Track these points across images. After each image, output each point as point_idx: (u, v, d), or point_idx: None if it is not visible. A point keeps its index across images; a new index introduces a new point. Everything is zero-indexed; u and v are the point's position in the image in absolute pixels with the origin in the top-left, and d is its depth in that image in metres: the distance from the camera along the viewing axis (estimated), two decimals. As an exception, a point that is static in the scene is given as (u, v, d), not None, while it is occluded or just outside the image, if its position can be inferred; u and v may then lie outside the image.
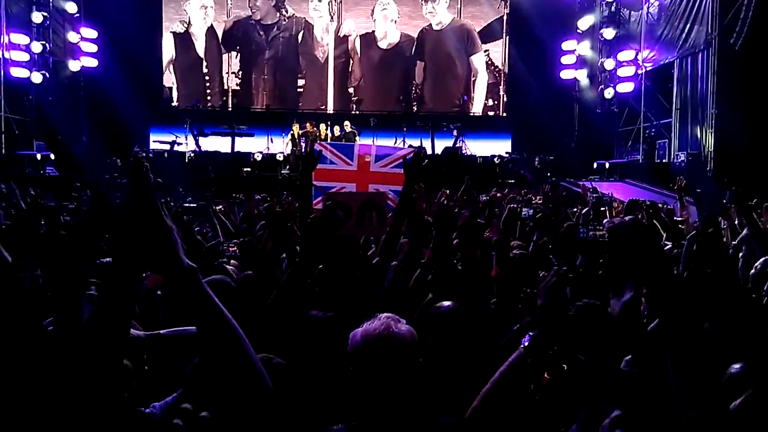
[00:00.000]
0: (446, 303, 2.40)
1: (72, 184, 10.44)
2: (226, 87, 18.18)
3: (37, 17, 15.22)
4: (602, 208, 5.82)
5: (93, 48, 16.68)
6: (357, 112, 17.75)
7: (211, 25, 18.05)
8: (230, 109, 18.00)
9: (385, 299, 2.92)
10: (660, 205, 5.72)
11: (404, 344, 1.60)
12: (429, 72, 18.64)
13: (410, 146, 15.15)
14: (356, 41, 18.42)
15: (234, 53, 18.16)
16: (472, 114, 18.44)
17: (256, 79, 18.23)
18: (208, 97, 18.17)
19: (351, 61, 18.48)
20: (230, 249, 4.15)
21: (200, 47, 18.06)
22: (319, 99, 18.44)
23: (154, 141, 16.08)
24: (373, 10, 18.42)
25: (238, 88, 18.23)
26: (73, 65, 16.53)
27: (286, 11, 18.18)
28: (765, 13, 11.73)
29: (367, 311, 1.71)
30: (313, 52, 18.30)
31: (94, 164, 13.94)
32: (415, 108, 18.44)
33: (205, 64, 18.11)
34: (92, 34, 16.64)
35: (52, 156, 14.07)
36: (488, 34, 18.74)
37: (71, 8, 16.18)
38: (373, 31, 18.46)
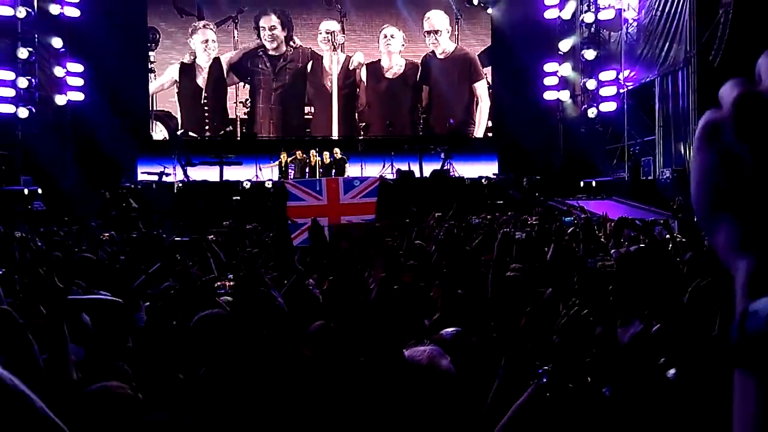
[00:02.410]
0: (450, 329, 2.42)
1: (60, 218, 10.39)
2: (234, 116, 18.26)
3: (22, 53, 15.24)
4: (594, 228, 5.89)
5: (79, 82, 16.70)
6: (361, 137, 17.91)
7: (217, 57, 18.19)
8: (238, 138, 18.10)
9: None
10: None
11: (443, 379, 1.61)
12: (433, 98, 18.91)
13: (398, 170, 15.30)
14: (362, 71, 18.68)
15: (241, 83, 18.28)
16: (460, 135, 18.58)
17: (263, 108, 18.35)
18: (206, 128, 18.21)
19: (357, 90, 18.70)
20: (225, 283, 4.11)
21: (202, 79, 18.18)
22: (326, 126, 18.58)
23: (142, 172, 16.05)
24: (378, 40, 18.69)
25: (245, 117, 18.31)
26: (60, 99, 16.53)
27: (294, 42, 18.40)
28: (741, 29, 12.03)
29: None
30: (320, 81, 18.53)
31: (81, 197, 13.90)
32: (421, 133, 18.59)
33: (204, 95, 18.18)
34: (78, 68, 16.67)
35: (39, 191, 13.99)
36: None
37: (57, 43, 16.21)
38: (379, 60, 18.75)
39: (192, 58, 18.17)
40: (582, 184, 16.02)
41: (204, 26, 18.17)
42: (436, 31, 18.80)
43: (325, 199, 6.25)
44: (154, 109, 18.18)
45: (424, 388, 1.61)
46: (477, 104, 19.05)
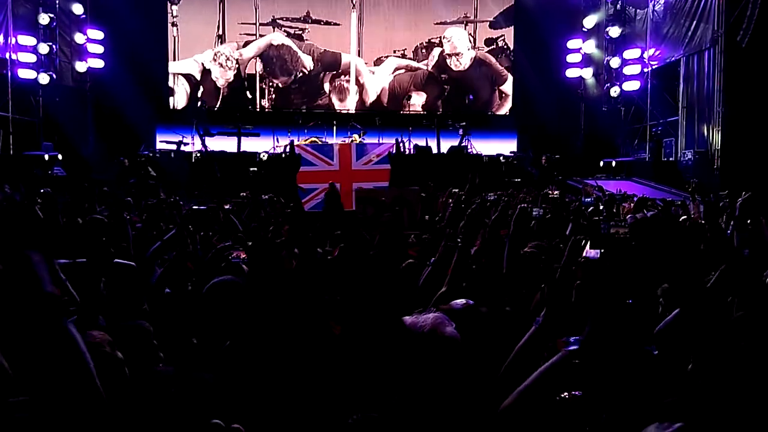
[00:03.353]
0: (460, 300, 2.41)
1: (80, 183, 10.48)
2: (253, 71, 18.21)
3: (43, 19, 15.26)
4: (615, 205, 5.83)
5: (99, 49, 16.74)
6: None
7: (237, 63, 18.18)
8: (267, 109, 18.12)
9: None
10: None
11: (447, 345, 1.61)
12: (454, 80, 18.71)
13: (415, 146, 15.23)
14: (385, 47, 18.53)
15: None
16: (478, 112, 18.38)
17: (286, 83, 18.30)
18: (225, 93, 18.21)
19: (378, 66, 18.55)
20: (241, 254, 4.12)
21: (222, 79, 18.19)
22: (345, 100, 18.45)
23: (160, 141, 16.11)
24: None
25: (264, 73, 18.25)
26: (80, 66, 16.60)
27: (311, 17, 18.22)
28: (772, 10, 11.71)
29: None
30: (340, 59, 18.35)
31: (101, 164, 14.03)
32: (440, 111, 18.42)
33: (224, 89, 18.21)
34: (98, 35, 16.70)
35: (60, 156, 14.13)
36: (495, 24, 18.74)
37: (77, 9, 16.24)
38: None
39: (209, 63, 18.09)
40: (602, 163, 15.83)
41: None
42: (457, 54, 18.52)
43: (336, 164, 6.21)
44: (177, 72, 18.11)
45: (427, 353, 1.62)
46: (501, 96, 18.80)
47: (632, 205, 5.85)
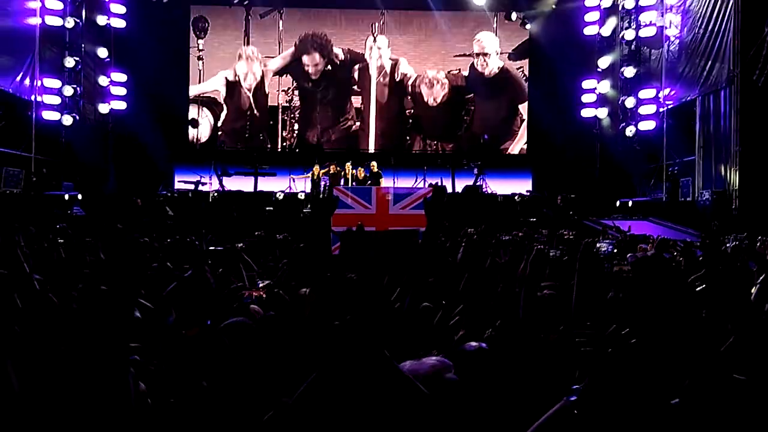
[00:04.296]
0: (474, 343, 2.38)
1: (98, 223, 10.61)
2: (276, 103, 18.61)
3: (69, 62, 15.73)
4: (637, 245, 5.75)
5: (122, 91, 17.16)
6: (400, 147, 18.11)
7: (262, 73, 18.58)
8: (287, 149, 18.48)
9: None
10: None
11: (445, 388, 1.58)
12: (473, 115, 18.92)
13: (429, 185, 15.26)
14: (405, 85, 18.87)
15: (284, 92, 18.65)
16: (494, 151, 18.45)
17: (304, 118, 18.68)
18: (246, 134, 18.53)
19: (398, 105, 18.88)
20: (254, 293, 4.13)
21: (246, 93, 18.57)
22: (363, 139, 18.75)
23: (179, 181, 16.34)
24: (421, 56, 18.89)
25: (288, 104, 18.62)
26: (103, 108, 17.00)
27: (338, 57, 18.73)
28: (787, 50, 11.72)
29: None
30: (363, 94, 18.72)
31: (119, 204, 14.21)
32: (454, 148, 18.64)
33: (251, 104, 18.53)
34: (122, 77, 17.14)
35: (80, 196, 14.35)
36: (512, 57, 19.08)
37: (102, 53, 16.70)
38: (421, 76, 18.90)
39: (234, 78, 18.53)
40: (618, 203, 15.72)
41: (249, 44, 18.54)
42: (485, 54, 18.86)
43: (373, 208, 6.23)
44: (201, 94, 18.51)
45: (422, 398, 1.59)
46: (520, 122, 18.96)
47: (652, 246, 5.78)
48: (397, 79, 18.83)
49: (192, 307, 3.61)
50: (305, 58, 18.65)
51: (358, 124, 18.76)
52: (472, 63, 18.93)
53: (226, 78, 18.53)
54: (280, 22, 18.60)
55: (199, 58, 18.47)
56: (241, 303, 3.87)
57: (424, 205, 3.70)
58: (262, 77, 18.57)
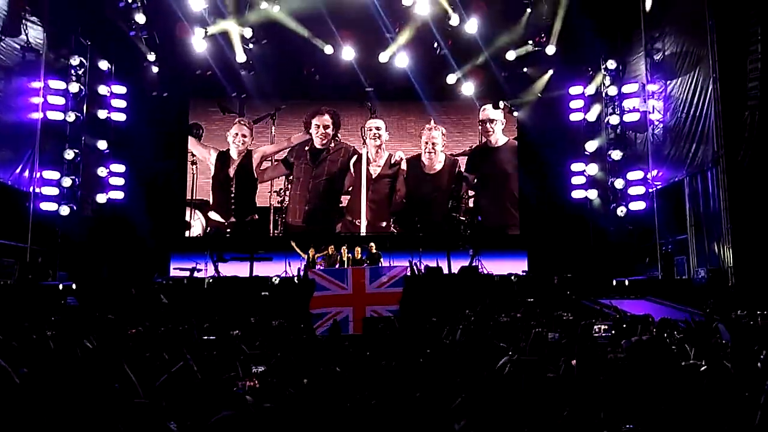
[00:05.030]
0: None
1: (92, 314, 10.46)
2: (267, 204, 18.73)
3: (69, 154, 16.04)
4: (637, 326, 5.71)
5: (120, 182, 17.38)
6: (394, 231, 18.36)
7: (249, 150, 18.92)
8: (278, 231, 18.55)
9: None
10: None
11: None
12: (481, 188, 19.17)
13: (426, 267, 15.23)
14: (401, 167, 19.22)
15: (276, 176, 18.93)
16: (488, 231, 18.54)
17: (298, 199, 18.85)
18: (232, 218, 18.62)
19: (392, 187, 19.11)
20: (247, 383, 4.06)
21: (233, 169, 18.86)
22: (357, 222, 18.87)
23: (174, 268, 16.29)
24: (420, 136, 19.35)
25: (279, 205, 18.75)
26: (101, 198, 17.14)
27: (338, 138, 19.16)
28: (768, 130, 12.09)
29: None
30: (358, 177, 19.02)
31: (113, 293, 14.07)
32: (463, 227, 18.70)
33: (233, 183, 18.77)
34: (120, 168, 17.40)
35: (74, 286, 14.23)
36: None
37: (102, 145, 17.02)
38: (418, 156, 19.30)
39: (227, 148, 18.92)
40: (614, 282, 15.69)
41: (239, 122, 19.03)
42: (491, 120, 19.32)
43: (350, 288, 6.26)
44: (194, 197, 18.69)
45: None
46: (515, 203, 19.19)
47: (653, 327, 5.73)
48: (392, 162, 19.18)
49: (182, 399, 3.54)
50: (315, 120, 19.02)
51: (347, 204, 18.93)
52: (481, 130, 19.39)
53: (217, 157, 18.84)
54: (273, 128, 19.11)
55: (193, 162, 18.78)
56: (232, 394, 3.80)
57: (403, 283, 3.73)
58: (251, 161, 18.90)
